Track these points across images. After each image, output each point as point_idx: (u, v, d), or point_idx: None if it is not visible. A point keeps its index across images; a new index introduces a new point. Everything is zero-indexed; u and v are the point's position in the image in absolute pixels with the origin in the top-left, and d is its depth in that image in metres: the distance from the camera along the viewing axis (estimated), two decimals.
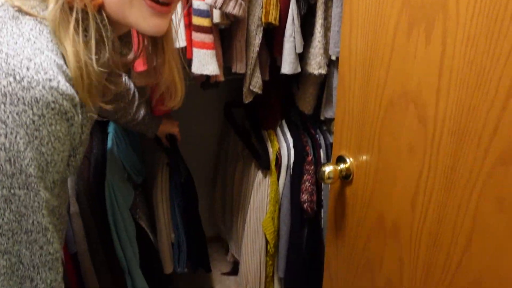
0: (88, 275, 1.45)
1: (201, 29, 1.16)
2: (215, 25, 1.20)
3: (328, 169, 1.10)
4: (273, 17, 1.19)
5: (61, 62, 0.67)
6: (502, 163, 0.70)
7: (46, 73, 0.63)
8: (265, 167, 1.50)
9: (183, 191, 1.63)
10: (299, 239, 1.59)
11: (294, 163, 1.49)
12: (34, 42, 0.64)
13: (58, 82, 0.64)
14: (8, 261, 0.68)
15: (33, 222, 0.68)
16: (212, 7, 1.13)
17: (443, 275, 0.88)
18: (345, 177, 1.11)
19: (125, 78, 1.25)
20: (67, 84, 0.66)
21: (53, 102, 0.63)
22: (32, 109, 0.62)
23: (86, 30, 0.70)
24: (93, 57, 0.70)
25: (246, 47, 1.25)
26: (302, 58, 1.34)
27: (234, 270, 2.19)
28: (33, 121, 0.63)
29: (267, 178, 1.53)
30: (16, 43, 0.63)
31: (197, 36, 1.17)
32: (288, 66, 1.26)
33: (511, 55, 0.65)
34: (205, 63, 1.19)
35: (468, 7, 0.70)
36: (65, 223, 0.93)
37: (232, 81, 1.86)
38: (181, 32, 1.18)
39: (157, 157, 1.65)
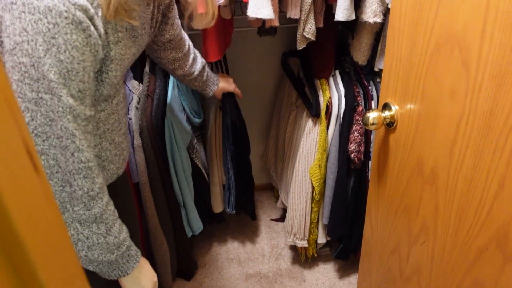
0: (148, 204, 1.60)
1: None
2: None
3: (372, 115, 1.12)
4: None
5: None
6: None
7: None
8: (315, 115, 1.53)
9: (234, 135, 1.72)
10: (345, 188, 1.64)
11: (344, 112, 1.52)
12: None
13: None
14: (46, 162, 0.76)
15: (61, 127, 0.74)
16: None
17: (474, 220, 0.90)
18: (389, 125, 1.13)
19: (180, 30, 1.28)
20: None
21: (66, 11, 0.68)
22: (46, 17, 0.67)
23: None
24: None
25: None
26: (358, 6, 1.34)
27: (283, 217, 2.29)
28: (49, 29, 0.68)
29: (316, 126, 1.57)
30: None
31: None
32: (342, 13, 1.27)
33: None
34: (261, 6, 1.23)
35: None
36: (121, 149, 1.01)
37: (288, 30, 1.89)
38: None
39: (212, 101, 1.74)
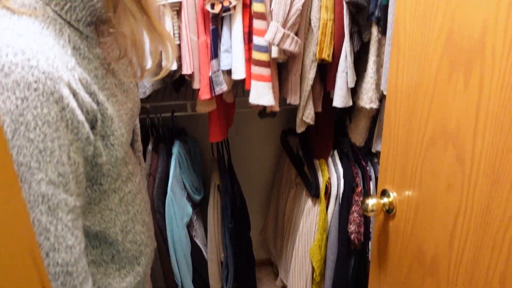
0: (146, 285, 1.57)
1: (260, 63, 1.27)
2: (273, 60, 1.29)
3: (371, 202, 1.13)
4: (327, 54, 1.26)
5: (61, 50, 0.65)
6: None
7: (24, 53, 0.60)
8: (314, 196, 1.55)
9: (233, 213, 1.72)
10: (345, 270, 1.61)
11: (343, 193, 1.53)
12: (13, 29, 0.62)
13: (38, 60, 0.60)
14: None
15: (33, 220, 0.63)
16: (270, 43, 1.23)
17: None
18: (388, 211, 1.14)
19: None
20: (50, 62, 0.61)
21: (35, 82, 0.59)
22: (14, 93, 0.59)
23: None
24: None
25: (300, 81, 1.33)
26: (355, 92, 1.39)
27: None
28: (17, 106, 0.59)
29: (316, 207, 1.57)
30: (4, 38, 0.61)
31: (256, 70, 1.27)
32: (339, 100, 1.32)
33: None
34: (262, 94, 1.28)
35: (503, 55, 0.73)
36: (150, 229, 0.92)
37: (288, 110, 1.95)
38: (241, 65, 1.29)
39: (211, 178, 1.76)
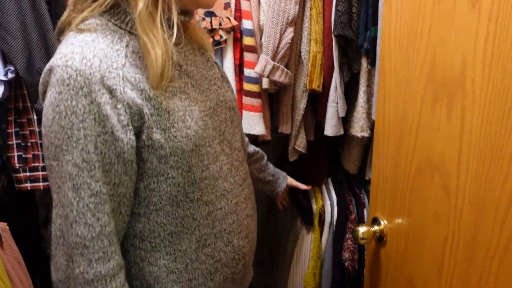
0: None
1: (250, 93, 1.29)
2: (264, 90, 1.32)
3: (362, 229, 1.14)
4: (317, 85, 1.29)
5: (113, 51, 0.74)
6: None
7: (65, 56, 0.72)
8: (308, 223, 1.55)
9: None
10: None
11: (337, 220, 1.54)
12: (71, 41, 0.74)
13: (73, 60, 0.71)
14: (54, 231, 0.76)
15: (64, 194, 0.72)
16: (260, 75, 1.26)
17: None
18: (379, 239, 1.14)
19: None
20: (85, 62, 0.71)
21: (68, 78, 0.70)
22: (54, 88, 0.71)
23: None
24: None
25: (292, 110, 1.35)
26: (346, 120, 1.42)
27: None
28: (55, 98, 0.71)
29: (310, 234, 1.58)
30: (61, 48, 0.75)
31: (247, 100, 1.30)
32: (330, 129, 1.34)
33: None
34: (253, 124, 1.30)
35: (482, 88, 0.76)
36: (242, 254, 0.95)
37: (282, 137, 1.97)
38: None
39: None
